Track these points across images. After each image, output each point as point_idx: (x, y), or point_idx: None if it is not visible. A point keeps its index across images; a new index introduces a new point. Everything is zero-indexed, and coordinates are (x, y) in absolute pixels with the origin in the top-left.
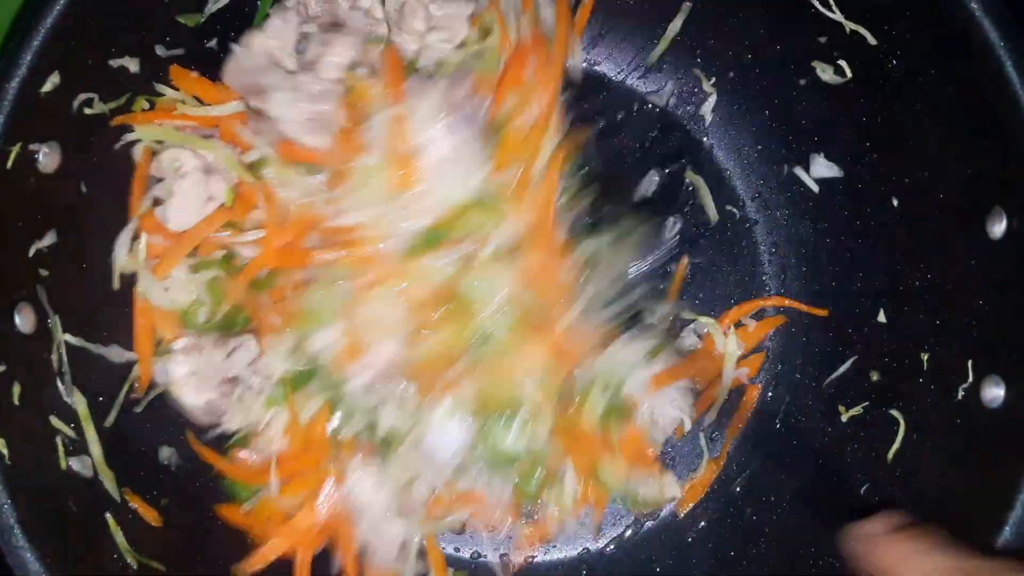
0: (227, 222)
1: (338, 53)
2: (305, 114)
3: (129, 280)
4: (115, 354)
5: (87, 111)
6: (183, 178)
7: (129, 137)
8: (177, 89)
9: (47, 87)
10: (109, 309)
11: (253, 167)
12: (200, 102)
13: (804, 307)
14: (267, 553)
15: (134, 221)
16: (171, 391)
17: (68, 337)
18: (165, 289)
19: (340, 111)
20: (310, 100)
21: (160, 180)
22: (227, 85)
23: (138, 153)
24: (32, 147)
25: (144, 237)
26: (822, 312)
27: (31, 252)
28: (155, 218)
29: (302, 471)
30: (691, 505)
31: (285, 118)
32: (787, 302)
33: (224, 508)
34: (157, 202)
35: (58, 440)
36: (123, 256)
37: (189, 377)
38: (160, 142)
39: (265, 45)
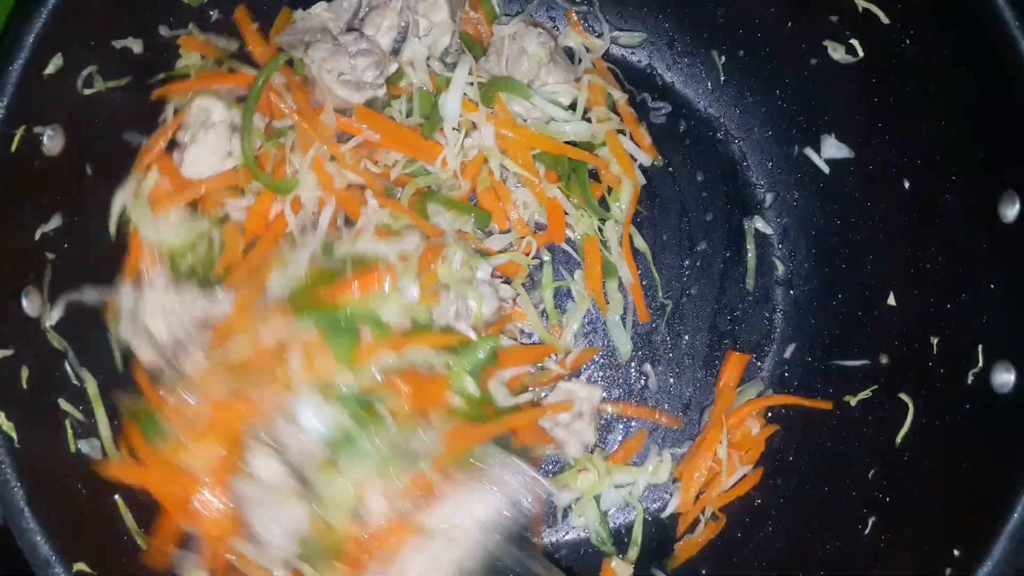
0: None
1: (384, 15)
2: (342, 68)
3: (125, 230)
4: (89, 296)
5: (87, 91)
6: (209, 129)
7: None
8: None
9: (50, 69)
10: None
11: (278, 134)
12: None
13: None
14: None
15: (146, 162)
16: (142, 326)
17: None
18: (157, 228)
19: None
20: (348, 57)
21: (182, 129)
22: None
23: (169, 113)
24: (36, 130)
25: (155, 173)
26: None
27: (37, 236)
28: (171, 161)
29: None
30: None
31: (322, 69)
32: (788, 399)
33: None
34: (173, 146)
35: (67, 423)
36: (127, 193)
37: (160, 312)
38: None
39: (321, 17)
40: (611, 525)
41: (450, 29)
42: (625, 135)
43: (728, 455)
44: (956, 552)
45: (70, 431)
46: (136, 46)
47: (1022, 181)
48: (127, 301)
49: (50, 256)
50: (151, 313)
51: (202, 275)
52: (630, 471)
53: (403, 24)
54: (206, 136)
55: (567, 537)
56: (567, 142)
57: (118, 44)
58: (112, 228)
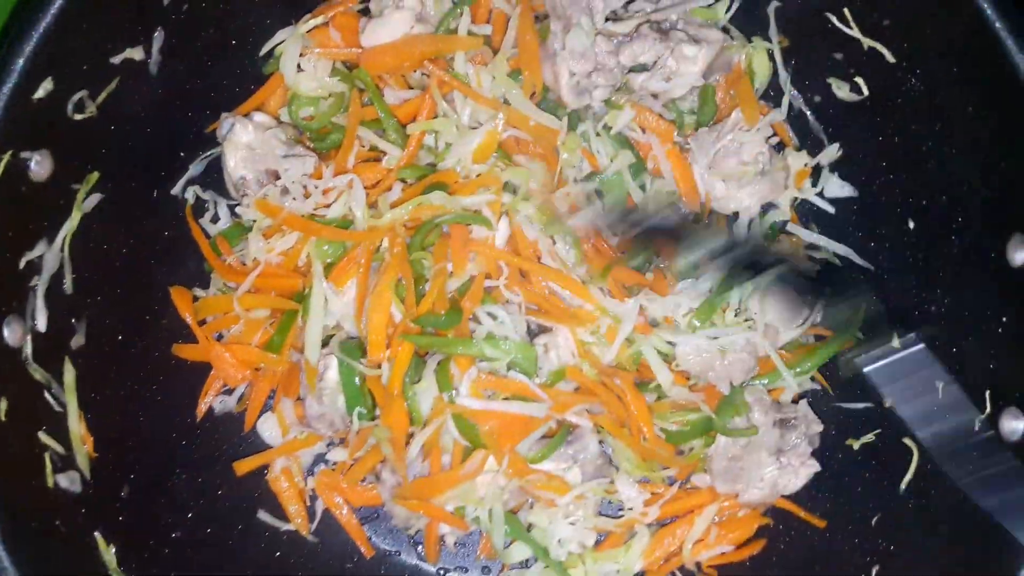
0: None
1: (643, 47)
2: (577, 69)
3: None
4: None
5: (78, 116)
6: (397, 10)
7: None
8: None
9: (40, 93)
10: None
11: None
12: None
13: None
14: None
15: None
16: (223, 150)
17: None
18: (299, 69)
19: None
20: (595, 56)
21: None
22: None
23: None
24: (23, 155)
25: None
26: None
27: (21, 264)
28: (355, 20)
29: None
30: None
31: (566, 51)
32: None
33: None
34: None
35: (46, 456)
36: (291, 29)
37: (243, 148)
38: None
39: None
40: None
41: (691, 84)
42: None
43: (710, 531)
44: None
45: (49, 465)
46: (137, 54)
47: None
48: (225, 127)
49: (33, 283)
50: (233, 147)
51: (311, 130)
52: (614, 556)
53: (654, 60)
54: (392, 15)
55: None
56: None
57: (117, 59)
58: (263, 52)
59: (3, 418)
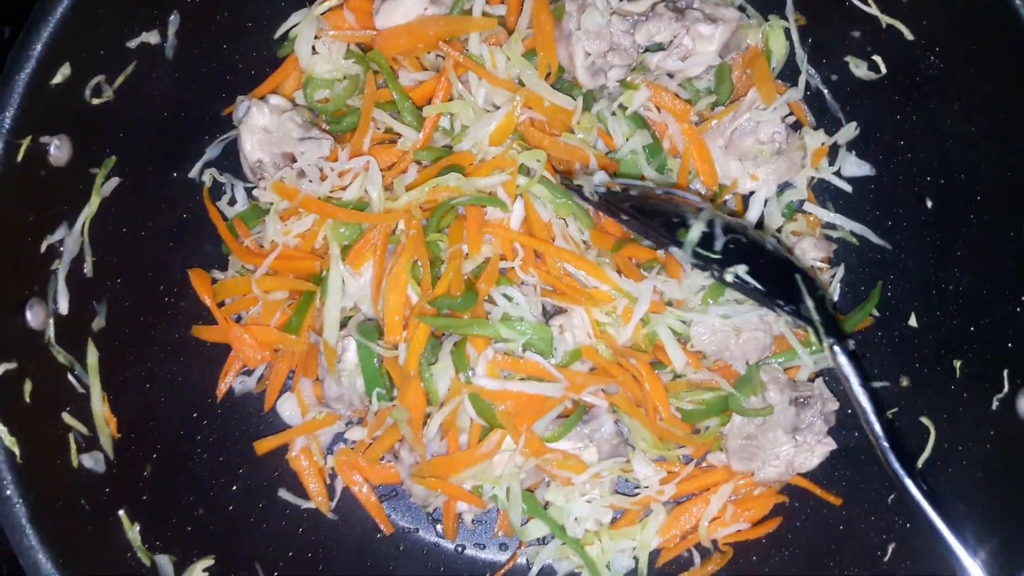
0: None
1: (658, 26)
2: (592, 49)
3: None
4: None
5: (96, 101)
6: None
7: None
8: None
9: (57, 78)
10: None
11: None
12: None
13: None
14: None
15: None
16: (240, 133)
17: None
18: (314, 52)
19: None
20: (609, 37)
21: None
22: None
23: None
24: (43, 140)
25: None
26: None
27: (43, 247)
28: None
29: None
30: None
31: (581, 33)
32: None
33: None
34: None
35: (70, 437)
36: (305, 12)
37: (259, 131)
38: None
39: None
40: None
41: (707, 64)
42: None
43: (726, 509)
44: None
45: (73, 446)
46: (153, 37)
47: None
48: (241, 110)
49: (54, 267)
50: (249, 130)
51: (327, 113)
52: (631, 533)
53: (669, 39)
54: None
55: None
56: None
57: (133, 43)
58: (278, 35)
59: (28, 400)
